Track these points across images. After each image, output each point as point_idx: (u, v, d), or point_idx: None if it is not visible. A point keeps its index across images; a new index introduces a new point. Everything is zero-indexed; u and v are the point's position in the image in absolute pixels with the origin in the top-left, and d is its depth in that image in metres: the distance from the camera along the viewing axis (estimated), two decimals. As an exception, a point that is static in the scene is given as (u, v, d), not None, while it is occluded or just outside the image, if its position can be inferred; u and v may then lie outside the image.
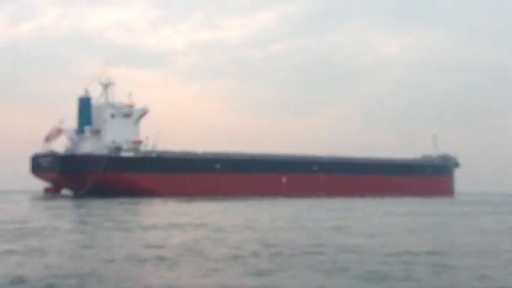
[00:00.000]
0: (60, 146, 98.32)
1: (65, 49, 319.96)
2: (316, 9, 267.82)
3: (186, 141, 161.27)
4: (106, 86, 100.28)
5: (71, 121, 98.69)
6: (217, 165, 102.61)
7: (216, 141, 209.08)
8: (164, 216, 38.90)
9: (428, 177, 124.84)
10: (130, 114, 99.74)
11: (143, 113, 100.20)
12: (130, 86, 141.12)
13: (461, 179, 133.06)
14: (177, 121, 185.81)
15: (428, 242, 24.80)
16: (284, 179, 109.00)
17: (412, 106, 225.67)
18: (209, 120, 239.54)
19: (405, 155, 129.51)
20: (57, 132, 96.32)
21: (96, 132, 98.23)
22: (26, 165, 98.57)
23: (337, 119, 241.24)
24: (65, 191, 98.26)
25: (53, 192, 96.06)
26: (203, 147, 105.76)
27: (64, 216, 38.82)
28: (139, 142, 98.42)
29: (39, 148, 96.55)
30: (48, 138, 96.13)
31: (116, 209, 50.26)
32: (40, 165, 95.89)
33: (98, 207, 53.28)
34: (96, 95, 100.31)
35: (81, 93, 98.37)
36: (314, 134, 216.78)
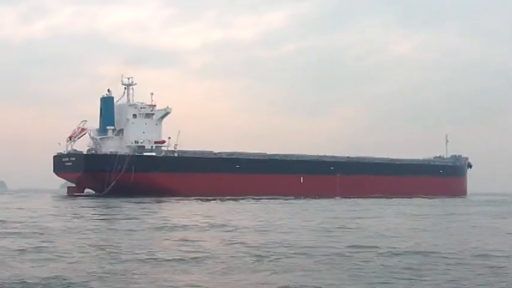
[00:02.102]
0: (80, 146, 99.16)
1: (77, 48, 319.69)
2: (328, 8, 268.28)
3: (198, 141, 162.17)
4: (128, 86, 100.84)
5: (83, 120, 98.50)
6: (237, 166, 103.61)
7: (228, 140, 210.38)
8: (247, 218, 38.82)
9: (441, 177, 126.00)
10: (152, 114, 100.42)
11: (165, 113, 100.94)
12: (144, 86, 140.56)
13: (473, 180, 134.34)
14: (189, 120, 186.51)
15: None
16: (302, 180, 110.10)
17: (424, 106, 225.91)
18: (221, 119, 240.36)
19: (417, 156, 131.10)
20: (81, 132, 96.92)
21: (119, 132, 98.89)
22: (43, 165, 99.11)
23: (348, 119, 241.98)
24: (88, 191, 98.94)
25: (76, 191, 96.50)
26: (214, 147, 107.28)
27: (99, 216, 38.50)
28: (162, 142, 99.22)
29: (58, 148, 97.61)
30: (72, 138, 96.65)
31: (150, 209, 50.58)
32: (63, 164, 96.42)
33: (126, 207, 53.74)
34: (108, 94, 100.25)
35: (94, 92, 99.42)
36: (325, 134, 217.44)
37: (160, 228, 30.20)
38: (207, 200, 75.19)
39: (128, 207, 54.28)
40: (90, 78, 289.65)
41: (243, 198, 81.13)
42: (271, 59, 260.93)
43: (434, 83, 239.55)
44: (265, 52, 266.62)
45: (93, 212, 46.32)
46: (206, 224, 32.80)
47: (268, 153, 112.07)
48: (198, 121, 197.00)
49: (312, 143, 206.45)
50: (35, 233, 27.10)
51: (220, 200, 76.42)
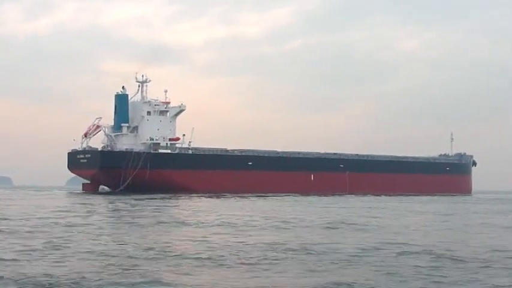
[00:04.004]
0: (95, 143, 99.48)
1: (81, 45, 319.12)
2: (335, 5, 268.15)
3: (204, 137, 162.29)
4: (142, 83, 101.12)
5: (90, 116, 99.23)
6: (249, 163, 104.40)
7: (234, 137, 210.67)
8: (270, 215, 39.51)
9: (447, 175, 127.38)
10: (166, 111, 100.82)
11: (180, 110, 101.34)
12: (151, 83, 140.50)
13: (478, 177, 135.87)
14: (195, 117, 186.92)
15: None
16: (312, 177, 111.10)
17: (429, 104, 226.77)
18: (226, 116, 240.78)
19: (422, 154, 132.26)
20: (96, 128, 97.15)
21: (133, 129, 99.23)
22: (48, 161, 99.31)
23: (354, 116, 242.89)
24: (103, 187, 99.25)
25: (91, 188, 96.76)
26: (220, 143, 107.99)
27: (121, 217, 38.34)
28: (177, 139, 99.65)
29: (71, 145, 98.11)
30: (87, 135, 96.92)
31: (168, 207, 50.64)
32: (78, 161, 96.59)
33: (146, 204, 53.72)
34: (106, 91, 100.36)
35: (99, 88, 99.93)
36: (332, 131, 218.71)
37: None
38: (228, 196, 75.79)
39: (160, 205, 54.64)
40: (94, 75, 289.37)
41: (263, 195, 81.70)
42: (277, 56, 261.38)
43: (440, 81, 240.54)
44: (271, 49, 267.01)
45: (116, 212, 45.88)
46: (274, 222, 33.31)
47: (278, 150, 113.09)
48: (204, 118, 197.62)
49: (318, 140, 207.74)
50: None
51: (240, 196, 76.89)
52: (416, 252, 20.14)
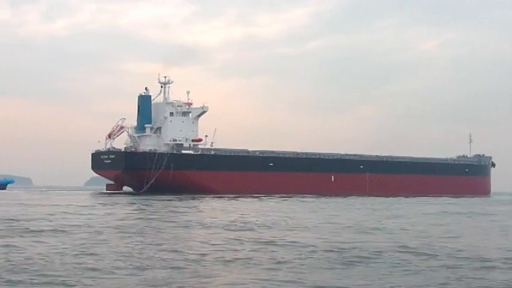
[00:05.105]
0: (117, 144, 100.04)
1: (99, 46, 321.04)
2: (351, 5, 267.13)
3: (222, 138, 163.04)
4: (164, 84, 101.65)
5: (108, 117, 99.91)
6: (271, 164, 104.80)
7: (251, 138, 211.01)
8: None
9: (466, 177, 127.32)
10: (188, 112, 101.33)
11: (202, 111, 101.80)
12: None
13: (496, 179, 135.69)
14: (214, 118, 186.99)
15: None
16: (333, 178, 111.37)
17: (447, 105, 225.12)
18: (243, 117, 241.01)
19: (440, 155, 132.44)
20: (120, 129, 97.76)
21: (156, 130, 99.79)
22: (67, 163, 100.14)
23: (372, 117, 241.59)
24: (126, 188, 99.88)
25: (115, 188, 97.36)
26: (236, 144, 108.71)
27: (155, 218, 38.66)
28: (199, 140, 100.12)
29: (91, 146, 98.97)
30: (111, 136, 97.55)
31: (198, 208, 50.44)
32: (102, 162, 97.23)
33: (176, 205, 53.93)
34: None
35: (117, 89, 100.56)
36: (348, 132, 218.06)
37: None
38: (254, 197, 76.09)
39: (198, 207, 55.02)
40: (112, 76, 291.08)
41: (288, 196, 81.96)
42: (293, 57, 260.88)
43: (459, 81, 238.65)
44: (288, 50, 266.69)
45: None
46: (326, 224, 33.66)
47: (298, 151, 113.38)
48: (220, 119, 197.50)
49: (336, 142, 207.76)
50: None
51: (263, 197, 77.21)
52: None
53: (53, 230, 27.86)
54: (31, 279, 15.39)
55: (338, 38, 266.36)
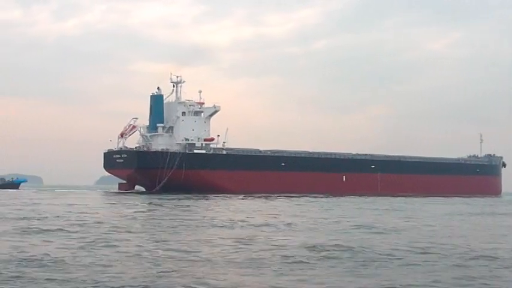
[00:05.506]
0: (129, 143, 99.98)
1: (110, 45, 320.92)
2: (361, 4, 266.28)
3: (232, 138, 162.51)
4: (176, 84, 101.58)
5: (117, 117, 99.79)
6: (283, 163, 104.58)
7: (260, 137, 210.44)
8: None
9: (477, 177, 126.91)
10: (200, 112, 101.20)
11: (214, 110, 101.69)
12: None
13: (507, 179, 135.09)
14: (223, 118, 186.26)
15: None
16: (344, 178, 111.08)
17: (458, 104, 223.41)
18: (253, 117, 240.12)
19: (450, 155, 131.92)
20: (132, 129, 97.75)
21: (168, 130, 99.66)
22: (77, 162, 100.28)
23: (380, 117, 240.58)
24: (138, 188, 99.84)
25: (127, 188, 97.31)
26: (248, 144, 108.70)
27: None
28: (211, 140, 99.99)
29: (108, 145, 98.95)
30: (123, 135, 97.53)
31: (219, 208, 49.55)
32: (114, 161, 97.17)
33: (193, 205, 53.55)
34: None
35: (128, 88, 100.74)
36: (357, 132, 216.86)
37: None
38: (272, 197, 75.82)
39: (224, 203, 54.72)
40: (121, 75, 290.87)
41: (303, 196, 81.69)
42: (302, 56, 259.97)
43: (469, 80, 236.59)
44: (297, 49, 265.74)
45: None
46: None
47: (310, 151, 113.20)
48: (230, 118, 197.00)
49: (345, 141, 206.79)
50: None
51: (287, 197, 76.89)
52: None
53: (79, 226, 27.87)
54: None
55: (348, 37, 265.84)
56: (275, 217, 38.13)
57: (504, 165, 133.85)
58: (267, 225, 31.62)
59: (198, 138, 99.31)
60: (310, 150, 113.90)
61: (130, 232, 26.75)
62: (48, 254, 18.84)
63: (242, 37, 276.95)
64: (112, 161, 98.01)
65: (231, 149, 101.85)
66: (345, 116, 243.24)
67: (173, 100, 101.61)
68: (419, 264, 18.44)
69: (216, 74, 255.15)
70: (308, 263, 18.35)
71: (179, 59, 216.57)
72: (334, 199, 76.32)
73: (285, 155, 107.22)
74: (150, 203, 56.09)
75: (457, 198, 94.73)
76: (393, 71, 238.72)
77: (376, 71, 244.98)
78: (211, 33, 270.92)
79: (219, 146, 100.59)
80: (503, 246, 23.93)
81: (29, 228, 27.57)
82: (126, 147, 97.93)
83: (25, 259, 17.88)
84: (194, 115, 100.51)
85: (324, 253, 20.31)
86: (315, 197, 79.82)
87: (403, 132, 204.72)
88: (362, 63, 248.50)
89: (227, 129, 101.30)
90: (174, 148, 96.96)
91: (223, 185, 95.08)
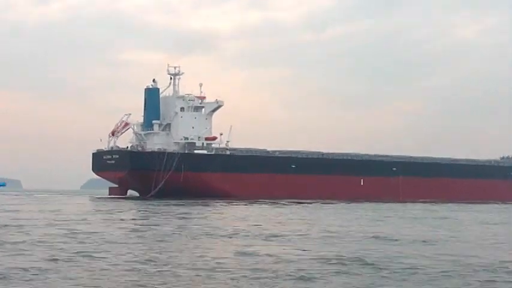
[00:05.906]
0: (121, 142, 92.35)
1: (98, 32, 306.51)
2: None
3: (236, 136, 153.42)
4: (174, 76, 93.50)
5: (108, 112, 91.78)
6: (293, 166, 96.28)
7: (267, 135, 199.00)
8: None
9: (510, 181, 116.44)
10: (201, 107, 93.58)
11: (217, 106, 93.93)
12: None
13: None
14: (227, 114, 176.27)
15: None
16: (362, 182, 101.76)
17: (491, 97, 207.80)
18: (258, 111, 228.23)
19: (481, 155, 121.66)
20: (124, 126, 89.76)
21: (165, 127, 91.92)
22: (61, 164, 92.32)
23: (403, 113, 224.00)
24: (131, 192, 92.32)
25: (118, 192, 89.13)
26: (254, 143, 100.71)
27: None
28: (213, 138, 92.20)
29: (92, 145, 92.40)
30: (114, 133, 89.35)
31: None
32: (104, 163, 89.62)
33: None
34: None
35: (119, 81, 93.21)
36: (375, 130, 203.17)
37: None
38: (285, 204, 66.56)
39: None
40: (112, 66, 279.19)
41: (315, 202, 72.32)
42: (314, 45, 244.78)
43: (504, 71, 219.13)
44: (308, 36, 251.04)
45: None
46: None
47: (324, 151, 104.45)
48: (233, 113, 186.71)
49: (361, 140, 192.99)
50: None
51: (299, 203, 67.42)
52: None
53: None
54: None
55: (365, 23, 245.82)
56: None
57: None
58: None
59: (199, 137, 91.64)
60: (324, 150, 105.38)
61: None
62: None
63: (247, 23, 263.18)
64: (102, 162, 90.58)
65: (235, 149, 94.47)
66: (362, 112, 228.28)
67: (170, 94, 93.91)
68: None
69: (218, 64, 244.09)
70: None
71: (177, 47, 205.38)
72: (351, 205, 66.79)
73: (296, 156, 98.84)
74: (145, 211, 48.84)
75: (491, 205, 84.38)
76: (418, 61, 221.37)
77: (399, 62, 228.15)
78: (212, 18, 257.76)
79: (222, 145, 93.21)
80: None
81: None
82: (118, 147, 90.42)
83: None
84: (194, 111, 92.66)
85: None
86: (329, 204, 70.76)
87: (429, 130, 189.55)
88: (381, 53, 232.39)
89: (231, 126, 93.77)
90: (172, 148, 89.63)
91: (226, 190, 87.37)
